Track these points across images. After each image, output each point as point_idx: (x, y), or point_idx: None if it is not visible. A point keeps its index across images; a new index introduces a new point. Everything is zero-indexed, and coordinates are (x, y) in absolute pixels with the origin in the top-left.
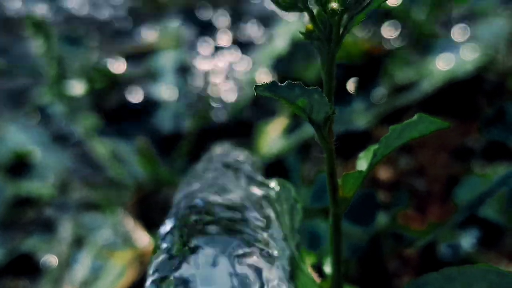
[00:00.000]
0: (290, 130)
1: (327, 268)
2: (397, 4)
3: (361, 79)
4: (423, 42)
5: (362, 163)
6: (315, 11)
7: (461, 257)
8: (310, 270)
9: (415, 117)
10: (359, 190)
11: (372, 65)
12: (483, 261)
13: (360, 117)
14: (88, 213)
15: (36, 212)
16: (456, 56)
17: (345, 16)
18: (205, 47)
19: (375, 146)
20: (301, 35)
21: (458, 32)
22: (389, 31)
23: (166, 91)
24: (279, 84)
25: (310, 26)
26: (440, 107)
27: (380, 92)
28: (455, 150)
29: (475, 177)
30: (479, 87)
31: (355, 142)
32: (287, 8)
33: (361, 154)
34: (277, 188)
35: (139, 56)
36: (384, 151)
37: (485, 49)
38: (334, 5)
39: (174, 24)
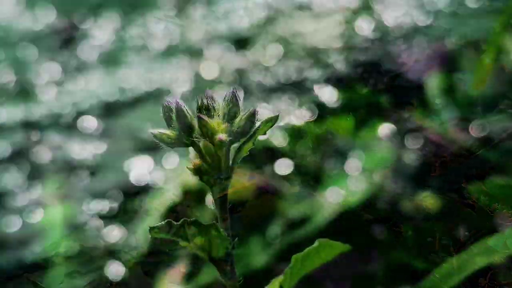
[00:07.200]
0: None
1: None
2: (285, 144)
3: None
4: (313, 177)
5: None
6: (201, 145)
7: None
8: None
9: (316, 243)
10: None
11: (265, 203)
12: None
13: (258, 258)
14: None
15: None
16: (346, 188)
17: (233, 147)
18: None
19: (280, 278)
20: (189, 171)
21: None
22: (281, 168)
23: None
24: (174, 222)
25: (197, 161)
26: (336, 238)
27: (274, 230)
28: (357, 278)
29: None
30: (372, 214)
31: (257, 281)
32: (172, 144)
33: None
34: None
35: None
36: (290, 282)
37: (372, 178)
38: (221, 136)
39: None
